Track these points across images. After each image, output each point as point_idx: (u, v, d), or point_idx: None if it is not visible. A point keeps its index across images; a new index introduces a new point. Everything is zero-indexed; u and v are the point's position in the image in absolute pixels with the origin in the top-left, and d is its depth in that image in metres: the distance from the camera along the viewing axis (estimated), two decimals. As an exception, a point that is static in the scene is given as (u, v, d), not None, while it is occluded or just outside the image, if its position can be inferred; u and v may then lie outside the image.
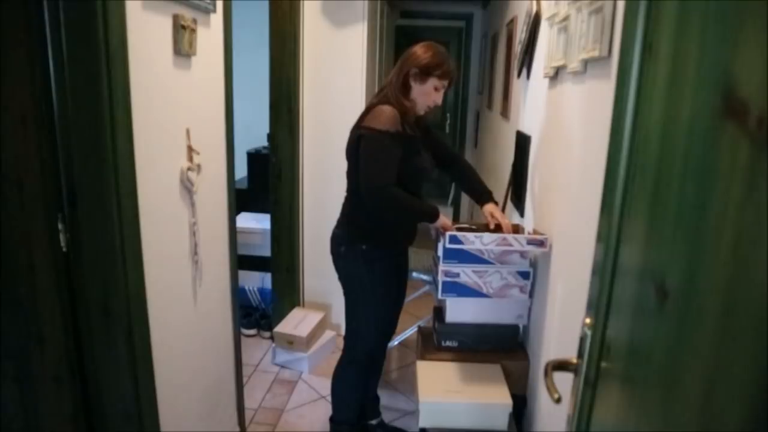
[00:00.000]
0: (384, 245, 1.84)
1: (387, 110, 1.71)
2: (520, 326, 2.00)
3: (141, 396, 1.38)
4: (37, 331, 1.32)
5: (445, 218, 1.81)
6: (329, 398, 2.20)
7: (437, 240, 1.92)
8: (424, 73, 1.75)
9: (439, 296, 1.91)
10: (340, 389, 2.02)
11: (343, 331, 2.02)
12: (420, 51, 1.78)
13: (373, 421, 2.21)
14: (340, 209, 1.92)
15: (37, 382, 1.36)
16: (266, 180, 2.98)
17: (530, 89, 2.18)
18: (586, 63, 1.31)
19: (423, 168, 1.83)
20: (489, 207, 1.93)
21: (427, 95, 1.78)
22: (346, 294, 1.92)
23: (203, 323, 1.78)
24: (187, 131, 1.57)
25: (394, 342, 2.81)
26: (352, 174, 1.81)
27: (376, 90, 1.91)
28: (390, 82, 1.80)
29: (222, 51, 1.79)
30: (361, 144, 1.71)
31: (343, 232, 1.87)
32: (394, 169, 1.69)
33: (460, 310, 1.93)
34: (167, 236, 1.51)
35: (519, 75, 2.43)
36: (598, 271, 0.88)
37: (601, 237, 0.88)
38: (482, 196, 1.97)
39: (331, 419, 2.08)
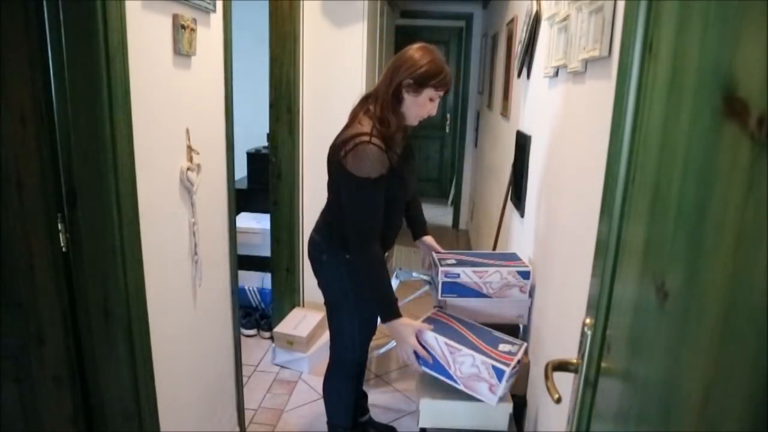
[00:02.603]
0: None
1: (371, 151, 1.53)
2: (520, 326, 2.00)
3: (141, 396, 1.38)
4: (37, 331, 1.32)
5: (406, 325, 1.66)
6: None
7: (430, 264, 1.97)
8: (420, 84, 1.58)
9: (439, 297, 1.91)
10: (332, 396, 1.99)
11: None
12: (416, 57, 1.58)
13: (362, 419, 2.21)
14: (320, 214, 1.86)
15: (37, 382, 1.36)
16: (266, 180, 2.98)
17: (530, 89, 2.18)
18: (586, 63, 1.31)
19: (405, 190, 1.76)
20: (428, 239, 2.05)
21: (422, 107, 1.62)
22: (329, 302, 1.86)
23: (203, 323, 1.78)
24: (187, 131, 1.57)
25: (394, 342, 2.80)
26: (333, 186, 1.76)
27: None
28: (377, 93, 1.63)
29: (222, 51, 1.79)
30: (342, 185, 1.63)
31: (324, 240, 1.77)
32: (379, 215, 1.62)
33: (460, 310, 1.93)
34: (167, 236, 1.51)
35: (519, 75, 2.43)
36: (598, 271, 0.88)
37: (601, 237, 0.88)
38: (422, 227, 2.05)
39: (328, 422, 2.08)
